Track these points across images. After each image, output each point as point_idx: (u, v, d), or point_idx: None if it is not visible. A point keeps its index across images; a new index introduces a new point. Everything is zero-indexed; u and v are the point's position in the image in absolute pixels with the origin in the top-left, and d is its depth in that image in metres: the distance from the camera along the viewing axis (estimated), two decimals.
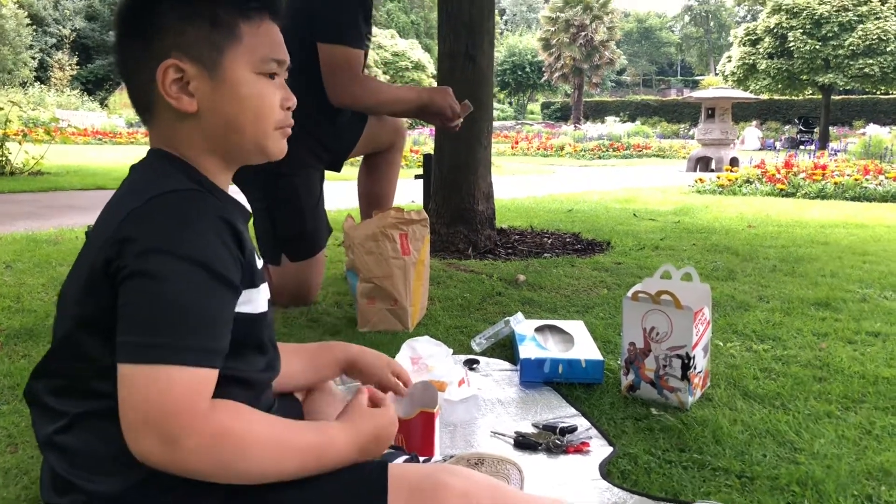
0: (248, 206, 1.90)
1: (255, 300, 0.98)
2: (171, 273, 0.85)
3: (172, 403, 0.82)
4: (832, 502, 1.35)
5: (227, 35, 0.98)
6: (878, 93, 29.59)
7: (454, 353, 2.17)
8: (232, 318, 0.92)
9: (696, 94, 14.20)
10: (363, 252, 2.39)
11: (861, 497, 1.38)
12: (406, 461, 1.26)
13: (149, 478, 0.87)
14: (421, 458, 1.29)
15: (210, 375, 0.86)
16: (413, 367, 1.76)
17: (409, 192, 5.98)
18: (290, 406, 1.25)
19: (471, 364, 2.08)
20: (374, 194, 3.06)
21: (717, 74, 34.36)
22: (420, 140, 17.14)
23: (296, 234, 2.61)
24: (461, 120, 2.81)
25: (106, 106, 23.18)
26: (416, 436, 1.43)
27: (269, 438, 0.89)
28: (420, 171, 4.53)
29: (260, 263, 1.03)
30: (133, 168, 1.02)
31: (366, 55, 2.70)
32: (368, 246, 2.38)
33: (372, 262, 2.39)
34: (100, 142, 16.11)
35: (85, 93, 25.78)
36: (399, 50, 36.12)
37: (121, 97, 23.27)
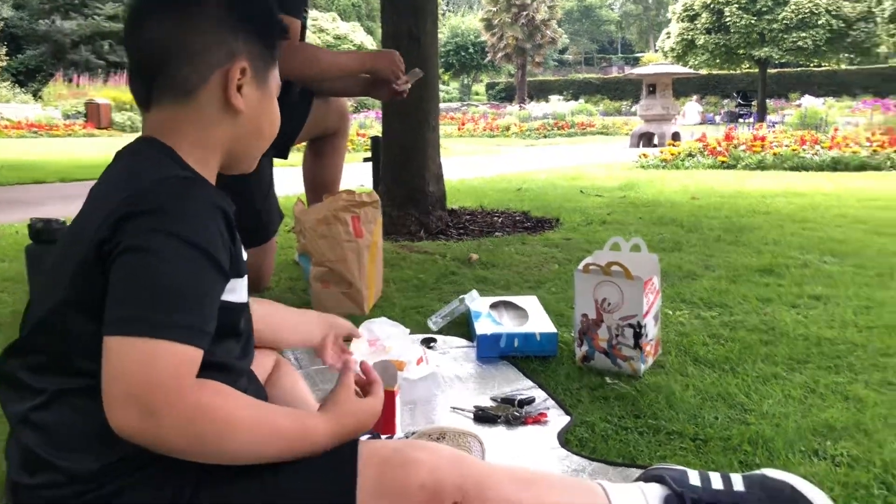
0: None
1: (239, 290, 1.00)
2: (168, 251, 0.86)
3: (157, 377, 0.82)
4: (782, 459, 1.41)
5: (273, 58, 1.09)
6: (812, 65, 30.39)
7: (411, 333, 2.18)
8: (219, 303, 0.92)
9: (637, 70, 14.39)
10: (315, 236, 2.38)
11: (808, 452, 1.44)
12: (369, 440, 1.27)
13: (127, 456, 0.87)
14: (383, 437, 1.31)
15: (196, 355, 0.86)
16: (371, 349, 1.75)
17: (357, 175, 5.95)
18: (257, 388, 1.25)
19: (428, 343, 2.10)
20: (320, 180, 3.03)
21: (657, 51, 34.83)
22: (367, 123, 17.05)
23: (247, 222, 2.57)
24: (409, 86, 2.79)
25: (40, 98, 22.42)
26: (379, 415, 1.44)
27: (250, 421, 0.89)
28: (368, 155, 4.52)
29: (245, 255, 1.04)
30: (121, 154, 1.02)
31: (303, 29, 2.65)
32: (321, 230, 2.37)
33: (325, 245, 2.38)
34: (35, 135, 15.62)
35: (16, 84, 24.91)
36: (341, 33, 35.72)
37: (55, 88, 22.51)
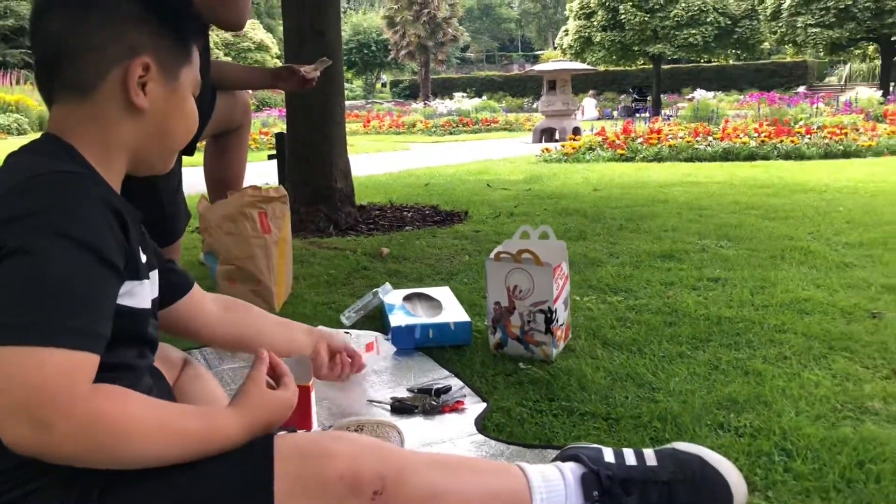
0: None
1: (139, 294, 0.96)
2: (55, 251, 0.81)
3: (47, 387, 0.77)
4: (689, 433, 1.46)
5: (186, 53, 1.05)
6: (702, 61, 31.69)
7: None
8: (114, 305, 0.88)
9: (538, 67, 14.65)
10: (221, 233, 2.32)
11: (714, 425, 1.50)
12: (286, 434, 1.25)
13: (25, 462, 0.82)
14: (299, 432, 1.29)
15: (90, 360, 0.81)
16: None
17: (262, 173, 5.84)
18: (162, 389, 1.21)
19: None
20: (225, 176, 2.95)
21: (556, 48, 35.59)
22: (269, 122, 16.72)
23: (154, 222, 2.48)
24: (318, 73, 2.76)
25: None
26: (293, 411, 1.41)
27: (150, 424, 0.85)
28: (272, 153, 4.44)
29: (144, 258, 1.00)
30: (17, 151, 0.98)
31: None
32: (226, 227, 2.32)
33: (231, 243, 2.32)
34: None
35: None
36: (239, 31, 34.89)
37: None
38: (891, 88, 22.35)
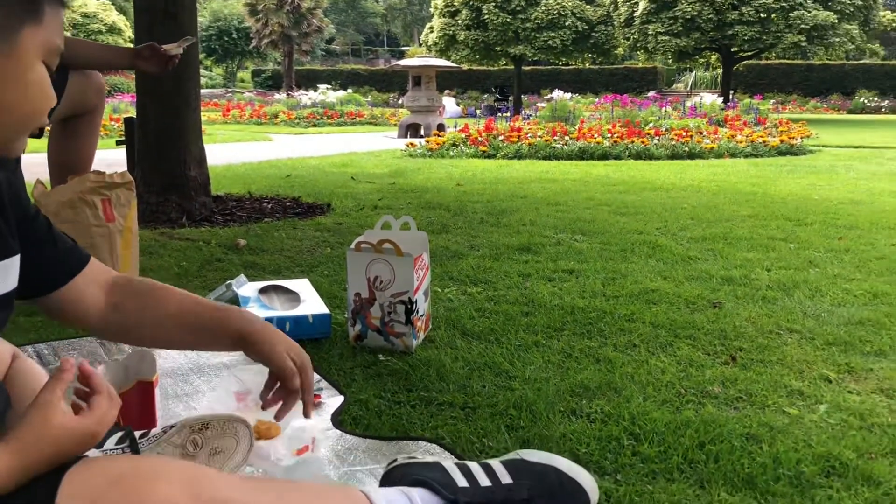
0: None
1: None
2: None
3: None
4: (543, 419, 1.49)
5: (31, 12, 0.86)
6: (560, 63, 32.86)
7: None
8: None
9: (403, 62, 14.69)
10: (59, 221, 2.14)
11: (567, 412, 1.53)
12: (120, 439, 1.15)
13: None
14: (139, 434, 1.20)
15: None
16: (238, 405, 1.47)
17: (110, 161, 5.50)
18: None
19: None
20: (71, 162, 2.73)
21: (421, 45, 35.81)
22: (121, 108, 15.86)
23: None
24: (181, 50, 2.62)
25: None
26: (134, 408, 1.33)
27: None
28: (122, 138, 4.18)
29: None
30: None
31: None
32: (65, 214, 2.15)
33: (71, 231, 2.14)
34: None
35: None
36: (90, 11, 32.90)
37: None
38: (731, 95, 24.03)
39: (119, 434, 1.18)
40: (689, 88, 33.95)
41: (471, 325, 2.06)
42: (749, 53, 25.82)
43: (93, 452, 1.07)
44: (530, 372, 1.73)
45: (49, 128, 2.74)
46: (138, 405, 1.32)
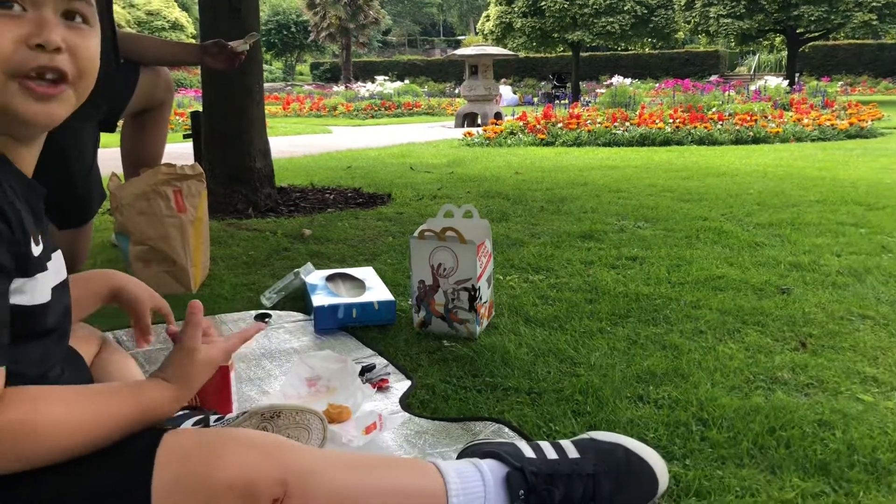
0: None
1: (30, 291, 0.86)
2: None
3: None
4: (610, 405, 1.49)
5: None
6: (619, 49, 32.35)
7: (243, 310, 2.11)
8: (8, 305, 0.80)
9: (460, 52, 14.65)
10: (134, 212, 2.23)
11: (633, 397, 1.53)
12: (197, 421, 1.21)
13: None
14: (213, 417, 1.24)
15: (26, 395, 0.78)
16: (309, 390, 1.52)
17: (177, 154, 5.66)
18: (79, 369, 1.15)
19: (263, 318, 2.03)
20: (142, 154, 2.84)
21: (477, 34, 35.68)
22: (185, 102, 16.23)
23: (64, 201, 2.36)
24: (247, 47, 2.68)
25: None
26: (212, 392, 1.37)
27: (73, 422, 0.81)
28: (189, 132, 4.29)
29: (38, 250, 0.89)
30: None
31: (110, 4, 2.47)
32: (139, 206, 2.23)
33: (144, 222, 2.24)
34: None
35: None
36: (154, 8, 33.74)
37: None
38: (796, 78, 23.31)
39: (197, 417, 1.23)
40: (752, 72, 33.07)
41: (534, 311, 2.07)
42: (816, 34, 24.96)
43: None
44: (595, 358, 1.73)
45: (121, 123, 2.83)
46: (215, 389, 1.36)
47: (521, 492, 1.02)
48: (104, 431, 0.84)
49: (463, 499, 0.99)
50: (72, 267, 2.51)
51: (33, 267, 0.86)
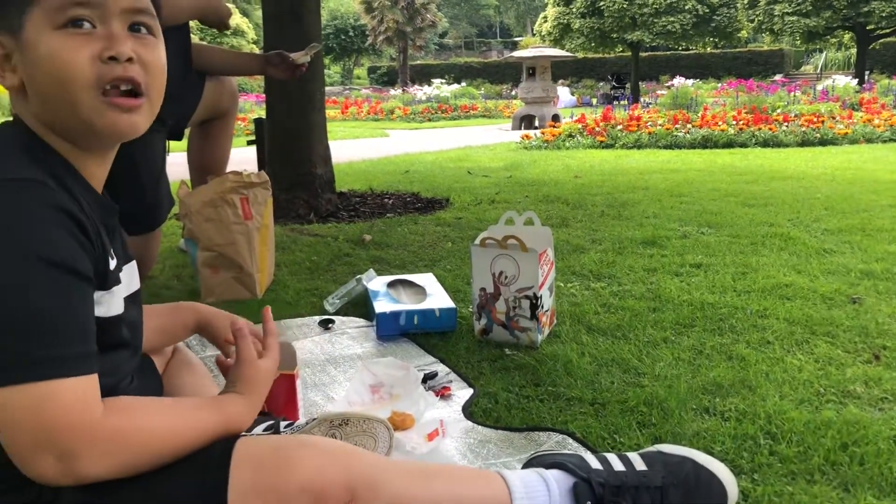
0: None
1: (106, 303, 0.90)
2: (25, 278, 0.77)
3: (64, 420, 0.77)
4: (675, 417, 1.47)
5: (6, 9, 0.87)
6: (680, 49, 31.81)
7: (306, 315, 2.15)
8: (94, 314, 0.85)
9: (517, 54, 14.60)
10: (202, 219, 2.29)
11: (699, 409, 1.51)
12: (267, 427, 1.23)
13: None
14: (283, 424, 1.27)
15: (92, 381, 0.80)
16: (373, 397, 1.55)
17: (240, 160, 5.77)
18: (149, 377, 1.19)
19: (326, 324, 2.07)
20: (208, 162, 2.91)
21: (534, 35, 35.53)
22: (246, 108, 16.56)
23: (134, 208, 2.43)
24: (308, 58, 2.73)
25: None
26: (280, 399, 1.40)
27: (169, 429, 0.86)
28: (249, 139, 4.39)
29: (113, 263, 0.93)
30: None
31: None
32: (207, 213, 2.29)
33: (212, 229, 2.29)
34: None
35: None
36: None
37: None
38: (866, 77, 22.59)
39: (268, 423, 1.26)
40: (818, 71, 32.15)
41: (596, 320, 2.05)
42: (887, 31, 24.13)
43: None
44: (660, 369, 1.71)
45: (188, 130, 2.91)
46: (283, 396, 1.39)
47: (588, 502, 1.01)
48: (191, 442, 0.88)
49: None
50: (141, 271, 2.59)
51: (110, 280, 0.90)
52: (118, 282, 0.94)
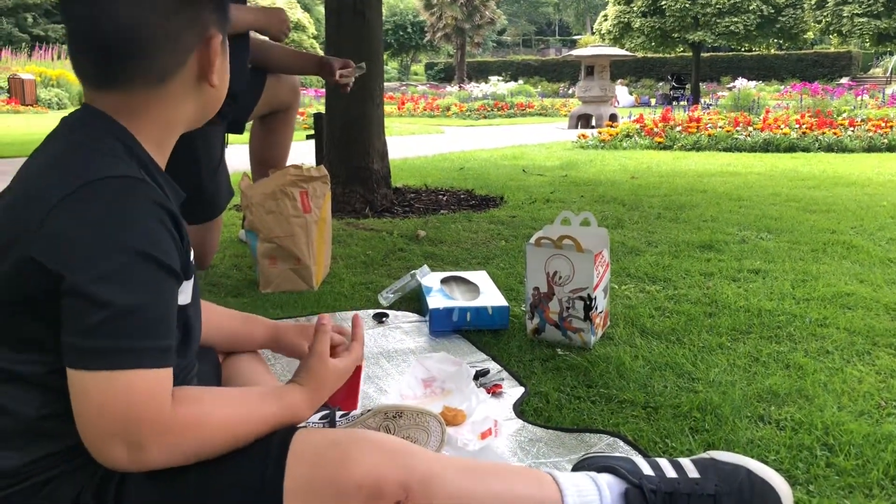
0: None
1: (185, 292, 0.94)
2: (123, 272, 0.80)
3: (137, 411, 0.80)
4: (729, 424, 1.45)
5: (224, 12, 0.98)
6: (743, 50, 31.15)
7: (361, 309, 2.18)
8: (177, 310, 0.88)
9: (576, 52, 14.49)
10: (263, 211, 2.34)
11: (754, 417, 1.49)
12: (323, 417, 1.26)
13: (53, 452, 0.87)
14: (339, 413, 1.29)
15: (168, 374, 0.83)
16: (425, 391, 1.55)
17: (299, 153, 5.87)
18: (210, 365, 1.22)
19: (380, 318, 2.09)
20: (269, 155, 2.98)
21: (593, 33, 35.17)
22: (306, 101, 16.79)
23: (194, 197, 2.50)
24: (352, 80, 2.81)
25: None
26: (343, 389, 1.42)
27: (234, 420, 0.89)
28: (309, 133, 4.45)
29: (192, 254, 0.98)
30: (66, 124, 0.93)
31: None
32: (268, 205, 2.33)
33: (272, 221, 2.34)
34: None
35: None
36: None
37: None
38: None
39: (323, 412, 1.28)
40: (888, 74, 31.11)
41: (650, 323, 2.04)
42: None
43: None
44: (714, 375, 1.69)
45: (250, 123, 2.98)
46: (346, 387, 1.41)
47: None
48: (254, 430, 0.91)
49: None
50: (201, 261, 2.67)
51: (190, 270, 0.94)
52: (193, 271, 0.97)
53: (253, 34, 2.60)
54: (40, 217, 0.81)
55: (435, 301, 2.04)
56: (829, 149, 7.43)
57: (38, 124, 11.28)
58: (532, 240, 1.91)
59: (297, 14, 35.23)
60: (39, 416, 0.86)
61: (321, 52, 2.92)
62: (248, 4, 2.64)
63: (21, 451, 0.86)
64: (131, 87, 0.91)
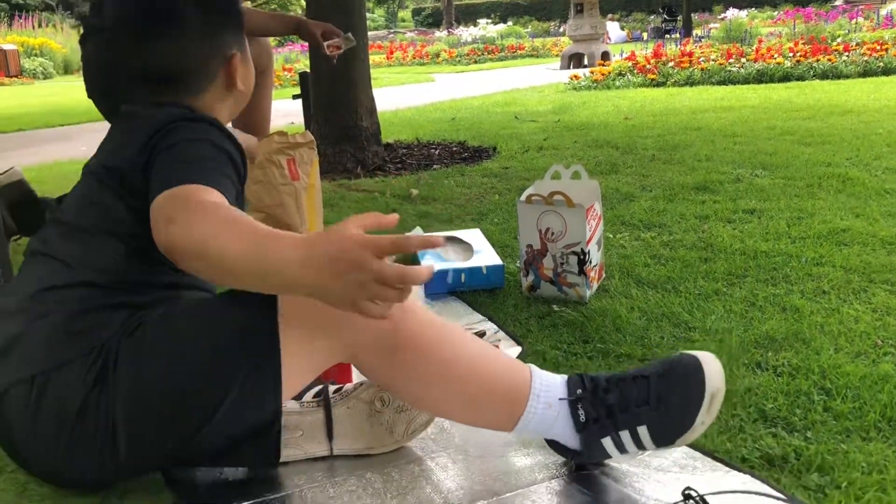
0: None
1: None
2: (197, 142, 1.09)
3: (177, 193, 0.98)
4: (726, 372, 1.44)
5: (240, 31, 1.30)
6: None
7: None
8: (233, 195, 1.07)
9: None
10: (250, 182, 2.31)
11: (752, 364, 1.49)
12: (317, 393, 1.27)
13: (59, 338, 1.07)
14: (332, 388, 1.30)
15: (213, 193, 0.99)
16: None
17: (286, 112, 5.80)
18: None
19: None
20: (251, 121, 2.93)
21: None
22: (292, 57, 16.55)
23: None
24: (340, 51, 2.75)
25: None
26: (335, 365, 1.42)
27: (227, 217, 0.96)
28: (296, 92, 4.39)
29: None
30: (123, 118, 1.22)
31: None
32: (254, 175, 2.31)
33: (261, 190, 2.31)
34: None
35: None
36: None
37: None
38: None
39: (317, 388, 1.29)
40: None
41: (646, 272, 2.03)
42: None
43: (291, 405, 1.21)
44: (711, 322, 1.69)
45: None
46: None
47: (579, 390, 1.12)
48: (247, 238, 0.94)
49: (541, 392, 1.13)
50: None
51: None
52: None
53: None
54: (142, 141, 1.11)
55: (428, 263, 2.03)
56: (823, 76, 7.33)
57: (32, 95, 11.11)
58: (523, 197, 1.89)
59: None
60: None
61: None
62: None
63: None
64: (198, 92, 1.23)
